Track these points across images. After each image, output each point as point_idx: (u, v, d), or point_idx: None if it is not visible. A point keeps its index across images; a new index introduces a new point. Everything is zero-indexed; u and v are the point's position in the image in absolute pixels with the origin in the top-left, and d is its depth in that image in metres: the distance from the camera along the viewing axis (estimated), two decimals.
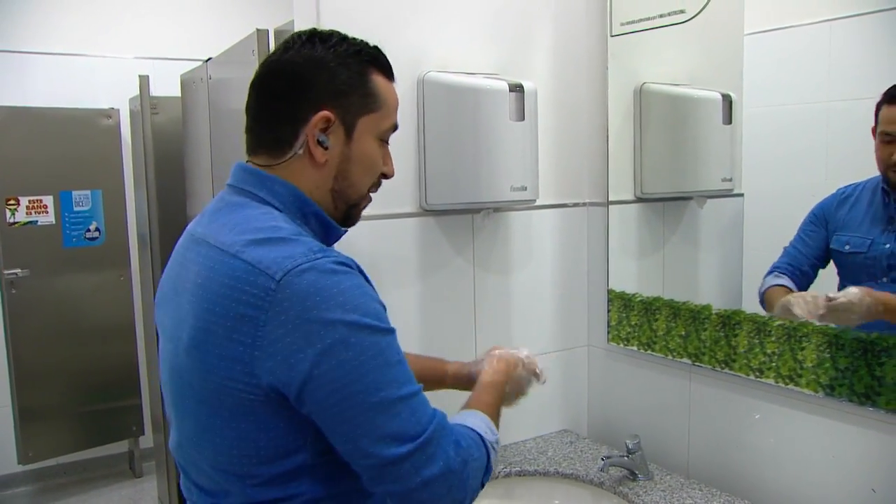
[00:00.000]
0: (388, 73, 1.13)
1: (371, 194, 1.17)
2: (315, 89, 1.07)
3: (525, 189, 1.87)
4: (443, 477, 0.96)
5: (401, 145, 1.85)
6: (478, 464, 1.03)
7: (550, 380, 2.04)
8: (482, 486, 1.06)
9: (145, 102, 3.37)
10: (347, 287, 0.93)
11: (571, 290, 2.22)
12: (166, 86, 3.46)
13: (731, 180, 1.91)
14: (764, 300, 1.72)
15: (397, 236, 1.87)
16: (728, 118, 1.88)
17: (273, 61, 1.10)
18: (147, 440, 4.13)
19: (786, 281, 1.70)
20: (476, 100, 1.80)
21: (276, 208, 1.06)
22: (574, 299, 2.22)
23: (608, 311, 2.15)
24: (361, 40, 1.13)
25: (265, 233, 1.00)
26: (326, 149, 1.08)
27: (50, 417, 3.89)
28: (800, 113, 1.72)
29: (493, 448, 1.07)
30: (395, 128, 1.16)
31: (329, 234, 1.13)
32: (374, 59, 1.12)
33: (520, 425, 2.15)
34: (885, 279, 1.55)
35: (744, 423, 1.80)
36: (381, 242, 1.82)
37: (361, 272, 1.00)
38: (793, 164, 1.75)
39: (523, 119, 1.84)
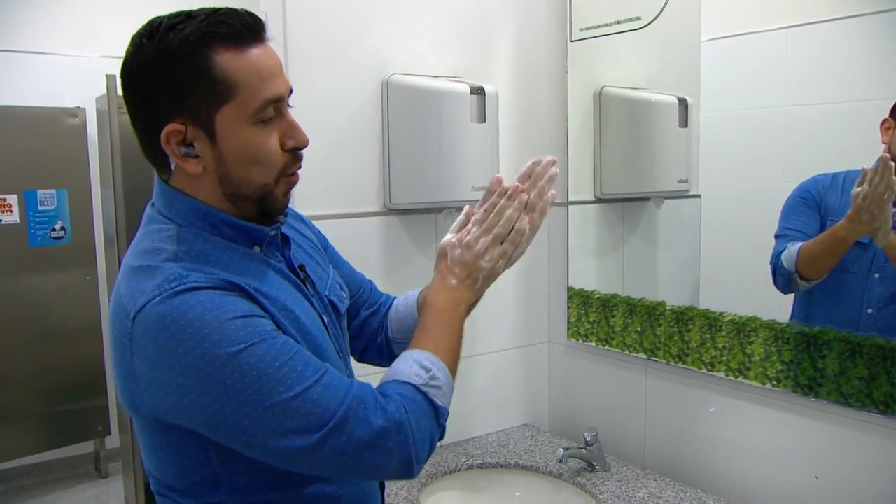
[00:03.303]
0: (239, 40, 0.93)
1: (293, 174, 1.03)
2: (153, 100, 0.95)
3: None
4: (372, 445, 0.93)
5: (365, 145, 1.86)
6: (417, 413, 0.97)
7: (511, 375, 2.20)
8: (440, 426, 1.02)
9: (112, 101, 3.35)
10: (197, 315, 0.87)
11: (532, 288, 2.22)
12: None
13: (687, 181, 1.93)
14: (800, 260, 1.58)
15: (362, 235, 1.87)
16: (685, 121, 1.90)
17: (121, 70, 0.97)
18: (113, 440, 4.06)
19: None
20: (439, 102, 1.81)
21: (178, 224, 1.00)
22: (535, 297, 2.22)
23: (568, 308, 2.16)
24: (197, 12, 0.94)
25: (142, 259, 0.96)
26: (199, 156, 0.97)
27: (14, 418, 3.82)
28: (756, 117, 1.73)
29: (431, 386, 1.00)
30: (273, 101, 0.96)
31: (253, 237, 1.03)
32: (212, 36, 0.93)
33: (482, 420, 2.15)
34: (876, 275, 1.52)
35: (697, 415, 1.82)
36: (345, 241, 1.70)
37: (229, 286, 0.93)
38: (749, 166, 1.76)
39: (485, 121, 1.84)
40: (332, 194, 1.82)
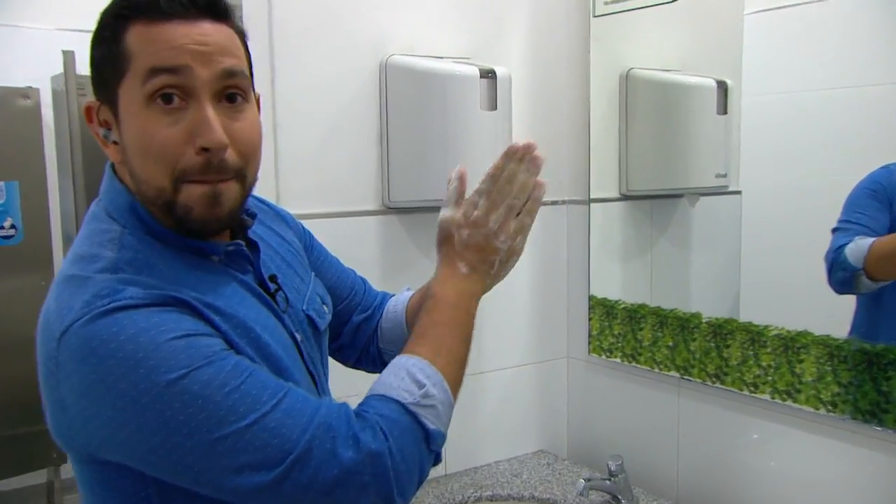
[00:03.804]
0: (158, 13, 0.91)
1: (205, 181, 0.94)
2: (91, 77, 0.97)
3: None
4: (342, 482, 0.88)
5: (361, 136, 1.86)
6: (402, 439, 0.93)
7: (525, 395, 2.20)
8: (433, 452, 0.98)
9: (71, 81, 3.28)
10: (130, 336, 0.84)
11: (549, 297, 2.22)
12: None
13: (725, 176, 1.91)
14: (871, 257, 1.54)
15: (357, 236, 1.86)
16: (724, 107, 1.87)
17: None
18: (68, 469, 3.94)
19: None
20: (444, 87, 1.80)
21: (122, 225, 0.96)
22: (552, 307, 2.23)
23: (589, 319, 2.15)
24: None
25: (76, 266, 0.93)
26: (117, 143, 0.96)
27: None
28: (808, 101, 1.70)
29: (423, 406, 0.96)
30: (162, 70, 0.91)
31: (200, 251, 0.99)
32: (131, 9, 0.92)
33: (491, 446, 2.15)
34: None
35: (738, 442, 1.81)
36: (339, 243, 1.71)
37: (171, 301, 0.89)
38: (799, 158, 1.73)
39: (496, 108, 1.84)
40: (324, 191, 1.82)
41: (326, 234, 1.70)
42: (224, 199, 0.95)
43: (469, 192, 1.13)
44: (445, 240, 1.12)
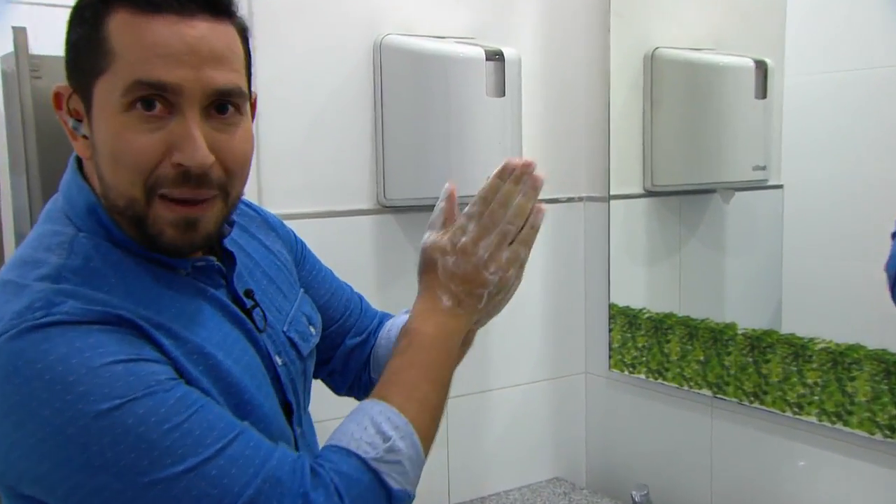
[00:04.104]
0: (147, 4, 0.88)
1: (181, 201, 0.91)
2: (65, 59, 0.93)
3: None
4: None
5: (353, 126, 1.86)
6: (359, 500, 0.91)
7: (538, 416, 2.20)
8: None
9: (23, 62, 3.22)
10: (61, 357, 0.81)
11: (564, 305, 2.22)
12: (51, 40, 3.33)
13: (765, 168, 1.90)
14: None
15: (348, 238, 1.87)
16: (763, 91, 1.87)
17: None
18: None
19: None
20: (446, 70, 1.80)
21: (77, 227, 0.94)
22: (568, 316, 2.23)
23: (609, 330, 2.15)
24: None
25: (15, 271, 0.90)
26: (87, 138, 0.93)
27: None
28: (856, 82, 1.68)
29: (386, 462, 0.93)
30: (148, 85, 0.88)
31: (164, 263, 0.96)
32: None
33: (501, 472, 2.14)
34: None
35: (779, 470, 1.79)
36: (327, 248, 1.75)
37: (114, 320, 0.87)
38: (846, 145, 1.71)
39: (503, 94, 1.84)
40: (311, 188, 1.82)
41: (314, 237, 1.78)
42: (202, 225, 0.93)
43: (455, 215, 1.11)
44: (428, 267, 1.08)
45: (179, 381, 0.87)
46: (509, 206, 1.05)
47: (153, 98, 0.87)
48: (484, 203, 1.05)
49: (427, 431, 0.99)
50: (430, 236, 1.09)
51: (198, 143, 0.88)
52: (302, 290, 1.19)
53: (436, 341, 1.04)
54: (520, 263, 1.07)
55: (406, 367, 1.02)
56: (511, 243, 1.06)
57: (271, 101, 1.72)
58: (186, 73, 0.87)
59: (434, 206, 1.64)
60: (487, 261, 1.05)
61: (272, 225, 1.21)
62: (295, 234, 1.26)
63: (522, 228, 1.06)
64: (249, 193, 1.57)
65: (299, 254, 1.25)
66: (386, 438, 0.94)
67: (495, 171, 1.06)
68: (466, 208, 1.06)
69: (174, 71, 0.87)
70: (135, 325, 0.87)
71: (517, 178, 1.05)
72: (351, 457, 0.92)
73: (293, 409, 1.07)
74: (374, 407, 0.97)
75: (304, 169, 1.81)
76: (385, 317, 1.32)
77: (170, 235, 0.91)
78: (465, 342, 1.11)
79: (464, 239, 1.05)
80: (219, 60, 0.90)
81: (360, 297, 1.33)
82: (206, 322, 0.96)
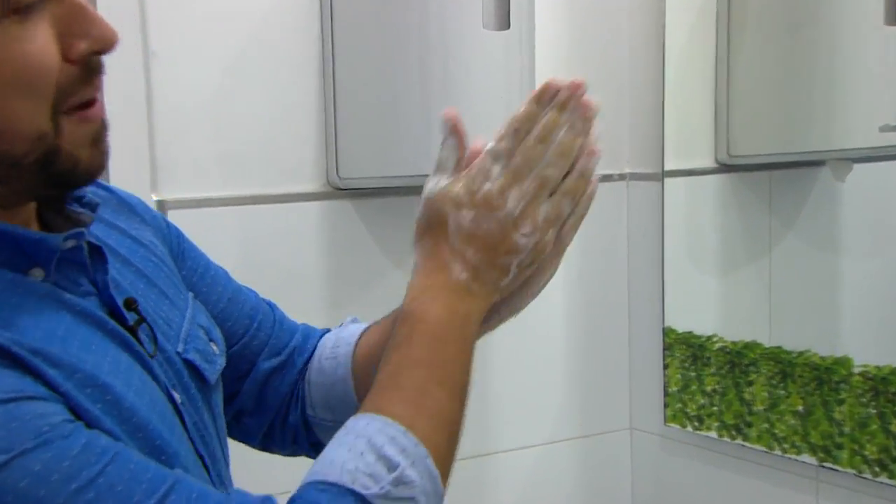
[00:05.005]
0: None
1: (88, 104, 0.90)
2: None
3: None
4: None
5: (290, 75, 1.85)
6: None
7: (563, 488, 2.20)
8: None
9: None
10: None
11: (599, 331, 2.19)
12: None
13: None
14: None
15: (285, 235, 1.86)
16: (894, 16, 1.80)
17: None
18: None
19: None
20: None
21: None
22: (604, 347, 2.19)
23: (664, 367, 2.10)
24: None
25: None
26: None
27: None
28: None
29: (395, 498, 0.88)
30: None
31: (29, 252, 0.92)
32: None
33: None
34: None
35: None
36: (254, 246, 1.85)
37: None
38: None
39: (508, 26, 1.80)
40: (229, 164, 1.80)
41: (233, 233, 1.82)
42: (106, 130, 0.93)
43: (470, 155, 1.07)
44: (434, 226, 1.03)
45: (78, 424, 0.83)
46: (550, 143, 1.01)
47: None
48: (515, 137, 1.01)
49: (445, 455, 0.93)
50: (437, 183, 1.04)
51: (97, 15, 0.88)
52: (191, 293, 1.16)
53: (449, 328, 1.00)
54: (561, 224, 1.04)
55: (409, 364, 0.98)
56: (552, 195, 1.02)
57: (172, 40, 1.73)
58: None
59: (409, 187, 1.61)
60: (519, 217, 1.00)
61: (134, 207, 1.15)
62: (166, 220, 1.21)
63: (567, 175, 1.02)
64: (140, 172, 1.71)
65: (176, 246, 1.20)
66: (392, 467, 0.88)
67: (531, 94, 1.02)
68: (490, 144, 1.01)
69: None
70: (6, 351, 0.83)
71: (562, 103, 1.01)
72: (345, 496, 0.87)
73: (207, 465, 1.04)
74: (371, 423, 0.92)
75: (219, 136, 1.79)
76: (313, 332, 1.28)
77: (86, 158, 0.90)
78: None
79: (487, 186, 1.01)
80: None
81: (272, 305, 1.29)
82: (87, 344, 0.92)
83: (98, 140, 0.91)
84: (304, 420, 1.24)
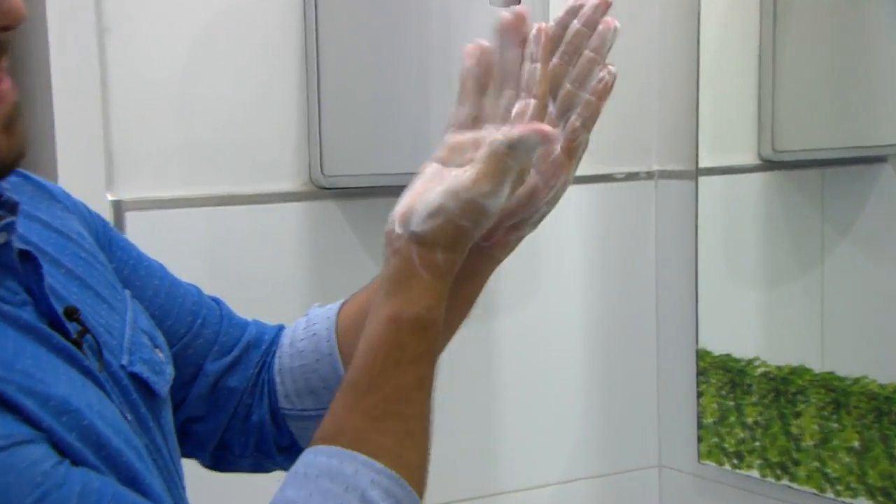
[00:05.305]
0: None
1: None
2: None
3: None
4: None
5: (267, 57, 1.86)
6: None
7: None
8: None
9: None
10: None
11: (622, 353, 2.18)
12: None
13: None
14: None
15: (262, 238, 1.87)
16: None
17: None
18: None
19: None
20: None
21: None
22: (627, 372, 2.19)
23: (699, 395, 2.09)
24: None
25: None
26: None
27: None
28: None
29: None
30: None
31: None
32: None
33: None
34: None
35: None
36: (228, 251, 1.87)
37: None
38: None
39: (519, 1, 1.70)
40: (198, 158, 1.82)
41: (201, 238, 1.85)
42: (19, 116, 0.94)
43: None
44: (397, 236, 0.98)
45: (65, 463, 0.83)
46: (578, 43, 1.03)
47: None
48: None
49: (423, 488, 0.97)
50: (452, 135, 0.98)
51: None
52: (128, 291, 1.14)
53: (428, 329, 0.95)
54: (578, 138, 1.02)
55: (390, 384, 0.96)
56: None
57: (129, 12, 1.74)
58: None
59: (400, 186, 1.49)
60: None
61: (53, 193, 1.14)
62: (88, 209, 1.20)
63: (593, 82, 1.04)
64: (91, 169, 1.73)
65: (102, 235, 1.19)
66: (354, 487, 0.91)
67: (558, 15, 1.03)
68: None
69: None
70: None
71: (589, 19, 1.02)
72: None
73: (171, 490, 1.06)
74: (350, 464, 0.92)
75: (184, 127, 1.79)
76: (266, 325, 1.28)
77: (3, 145, 0.92)
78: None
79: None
80: None
81: (218, 300, 1.28)
82: (39, 363, 0.91)
83: (10, 125, 0.90)
84: (274, 417, 1.22)
